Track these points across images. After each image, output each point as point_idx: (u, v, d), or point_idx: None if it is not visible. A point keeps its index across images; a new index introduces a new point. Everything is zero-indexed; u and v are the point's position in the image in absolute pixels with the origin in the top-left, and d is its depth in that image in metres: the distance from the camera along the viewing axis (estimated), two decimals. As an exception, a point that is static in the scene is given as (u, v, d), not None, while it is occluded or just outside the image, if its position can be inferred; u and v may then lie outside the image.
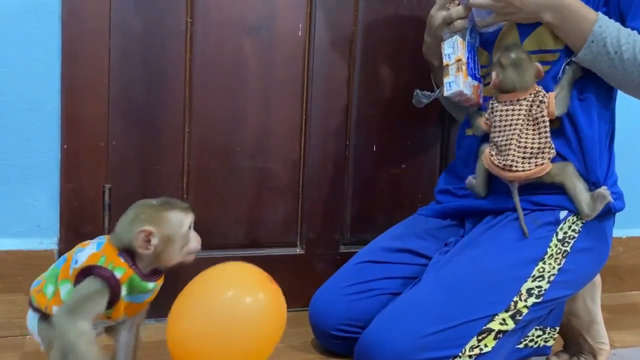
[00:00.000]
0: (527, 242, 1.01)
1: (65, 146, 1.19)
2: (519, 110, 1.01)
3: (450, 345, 0.93)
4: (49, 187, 1.20)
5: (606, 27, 0.97)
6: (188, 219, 0.89)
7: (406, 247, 1.18)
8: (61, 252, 1.20)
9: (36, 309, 0.91)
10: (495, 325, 0.95)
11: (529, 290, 0.98)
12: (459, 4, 1.13)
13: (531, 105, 1.01)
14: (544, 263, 1.00)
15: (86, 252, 0.88)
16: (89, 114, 1.21)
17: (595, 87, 1.04)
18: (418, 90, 1.19)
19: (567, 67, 1.03)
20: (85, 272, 0.86)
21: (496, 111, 1.05)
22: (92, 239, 1.20)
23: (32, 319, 0.91)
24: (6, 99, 1.15)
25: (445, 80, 1.11)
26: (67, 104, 1.19)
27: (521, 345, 1.09)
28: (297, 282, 1.38)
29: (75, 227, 1.21)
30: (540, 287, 0.99)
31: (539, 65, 1.02)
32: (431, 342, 0.92)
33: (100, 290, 0.84)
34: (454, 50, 1.10)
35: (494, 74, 1.04)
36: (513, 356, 1.09)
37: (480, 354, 0.95)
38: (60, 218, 1.21)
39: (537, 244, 1.01)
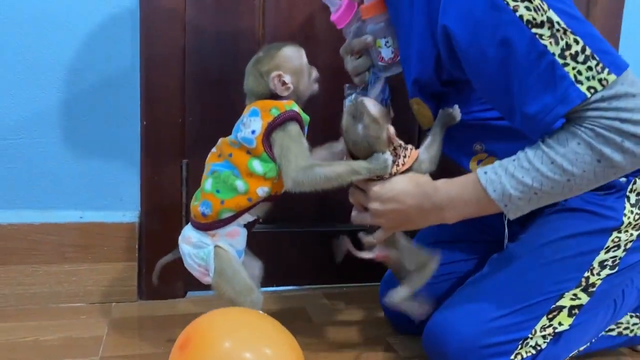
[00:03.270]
0: (595, 217, 0.94)
1: (144, 122, 1.23)
2: None
3: (518, 329, 0.89)
4: (130, 162, 1.25)
5: (499, 185, 0.81)
6: (301, 50, 0.94)
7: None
8: (142, 225, 1.26)
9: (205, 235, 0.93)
10: (566, 302, 0.91)
11: (601, 263, 0.93)
12: (360, 57, 1.02)
13: None
14: (620, 232, 0.93)
15: (253, 121, 0.89)
16: (166, 91, 1.24)
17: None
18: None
19: (441, 111, 0.91)
20: (271, 129, 0.88)
21: None
22: (170, 212, 1.28)
23: (203, 251, 0.92)
24: (87, 77, 1.20)
25: None
26: (146, 81, 1.22)
27: (614, 333, 1.05)
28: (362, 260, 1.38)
29: (154, 201, 1.26)
30: (615, 257, 0.93)
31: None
32: (498, 326, 0.89)
33: (298, 131, 0.90)
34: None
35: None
36: (606, 343, 1.04)
37: (556, 333, 0.91)
38: (140, 192, 1.26)
39: (608, 213, 0.94)
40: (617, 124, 0.75)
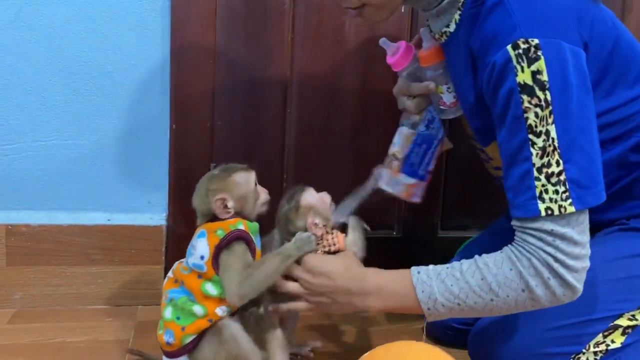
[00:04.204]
0: None
1: (174, 126, 1.23)
2: None
3: (574, 342, 0.88)
4: (160, 165, 1.25)
5: (428, 287, 0.85)
6: (252, 176, 0.96)
7: None
8: (170, 228, 1.26)
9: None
10: (623, 321, 0.89)
11: None
12: (415, 97, 1.03)
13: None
14: None
15: (200, 246, 0.90)
16: (196, 95, 1.24)
17: None
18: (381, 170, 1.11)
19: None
20: (218, 252, 0.89)
21: None
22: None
23: None
24: (118, 80, 1.20)
25: (380, 168, 1.06)
26: (176, 85, 1.22)
27: None
28: (391, 266, 1.36)
29: (182, 205, 1.26)
30: None
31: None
32: (554, 337, 0.88)
33: (243, 251, 0.90)
34: (398, 142, 1.04)
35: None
36: None
37: (608, 351, 0.89)
38: (169, 195, 1.26)
39: None
40: (550, 260, 0.79)
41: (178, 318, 0.90)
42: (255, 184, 0.96)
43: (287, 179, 1.33)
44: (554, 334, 0.88)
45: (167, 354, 0.92)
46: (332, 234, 0.96)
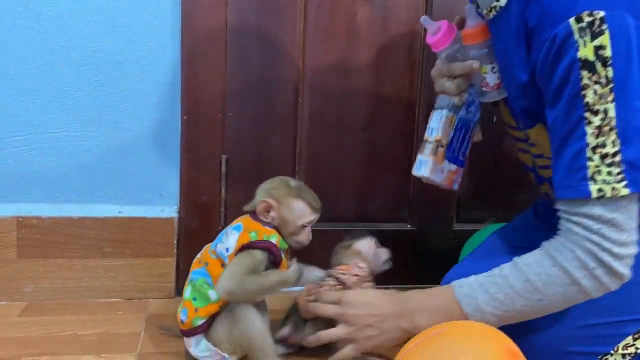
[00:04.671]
0: None
1: (185, 117, 1.22)
2: None
3: (602, 343, 0.84)
4: (170, 157, 1.23)
5: (473, 300, 0.82)
6: (312, 216, 0.96)
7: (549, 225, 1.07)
8: (181, 221, 1.24)
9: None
10: None
11: None
12: (455, 78, 0.97)
13: None
14: None
15: (232, 238, 0.92)
16: (208, 86, 1.22)
17: None
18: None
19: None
20: (242, 250, 0.91)
21: None
22: (209, 208, 1.26)
23: (198, 348, 0.94)
24: (128, 71, 1.19)
25: (419, 157, 1.00)
26: (187, 76, 1.21)
27: None
28: (406, 260, 1.34)
29: (194, 197, 1.25)
30: None
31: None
32: (582, 336, 0.84)
33: (261, 260, 0.91)
34: (439, 127, 0.98)
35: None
36: None
37: (637, 354, 0.85)
38: (180, 187, 1.24)
39: None
40: (596, 250, 0.76)
41: (195, 299, 0.93)
42: (307, 225, 0.96)
43: (299, 171, 1.31)
44: (582, 332, 0.84)
45: (182, 332, 0.95)
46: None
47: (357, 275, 1.00)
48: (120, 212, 1.22)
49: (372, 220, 1.36)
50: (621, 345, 0.85)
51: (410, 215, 1.39)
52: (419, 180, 1.36)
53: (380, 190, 1.36)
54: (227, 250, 0.92)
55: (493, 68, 0.93)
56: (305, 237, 0.97)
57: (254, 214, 0.96)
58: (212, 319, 0.93)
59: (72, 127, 1.18)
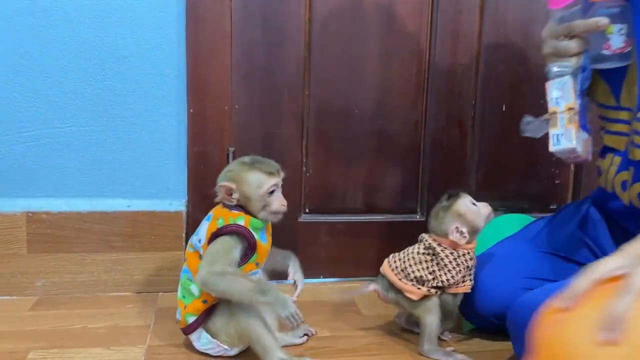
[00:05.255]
0: None
1: (191, 110, 1.21)
2: None
3: None
4: (177, 150, 1.23)
5: None
6: (269, 182, 0.92)
7: (590, 240, 1.03)
8: (189, 214, 1.24)
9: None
10: None
11: None
12: (572, 37, 0.88)
13: None
14: None
15: (203, 229, 0.93)
16: (213, 78, 1.22)
17: None
18: (529, 118, 0.95)
19: None
20: (213, 238, 0.91)
21: None
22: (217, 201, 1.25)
23: (200, 342, 0.95)
24: (134, 65, 1.19)
25: (552, 131, 0.90)
26: (192, 69, 1.20)
27: None
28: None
29: (201, 190, 1.24)
30: None
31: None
32: None
33: (233, 244, 0.90)
34: (564, 95, 0.88)
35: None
36: None
37: None
38: (187, 180, 1.24)
39: None
40: None
41: (184, 297, 0.94)
42: (273, 192, 0.93)
43: (306, 163, 1.30)
44: None
45: (182, 330, 0.95)
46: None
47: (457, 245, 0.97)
48: (128, 206, 1.22)
49: (381, 212, 1.35)
50: None
51: (419, 206, 1.37)
52: (428, 170, 1.36)
53: (389, 181, 1.35)
54: (200, 241, 0.92)
55: (621, 29, 0.86)
56: (277, 204, 0.93)
57: (223, 202, 0.94)
58: (205, 314, 0.92)
59: (80, 122, 1.19)
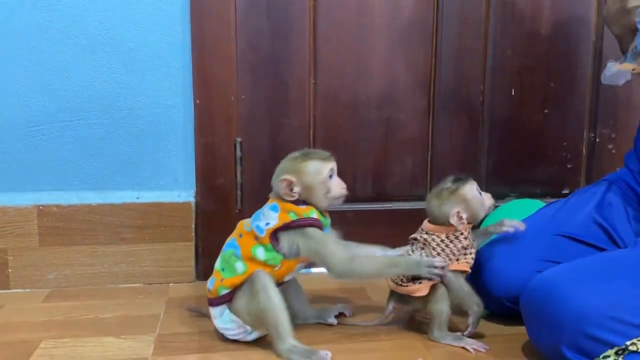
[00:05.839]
0: None
1: (197, 101, 1.22)
2: None
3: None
4: (184, 141, 1.24)
5: None
6: (326, 167, 0.93)
7: (606, 226, 1.02)
8: (198, 205, 1.24)
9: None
10: None
11: None
12: None
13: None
14: None
15: (271, 216, 0.92)
16: (219, 69, 1.22)
17: None
18: (611, 63, 0.94)
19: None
20: (284, 229, 0.91)
21: None
22: (225, 191, 1.26)
23: (222, 319, 0.94)
24: (140, 57, 1.19)
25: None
26: (197, 60, 1.21)
27: None
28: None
29: (209, 181, 1.25)
30: None
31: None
32: (633, 305, 0.77)
33: (320, 232, 0.92)
34: None
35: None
36: None
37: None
38: (195, 172, 1.24)
39: None
40: None
41: (223, 269, 0.93)
42: (331, 176, 0.94)
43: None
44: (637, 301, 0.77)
45: (208, 301, 0.95)
46: (469, 254, 0.95)
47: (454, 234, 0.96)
48: (137, 198, 1.23)
49: (390, 199, 1.35)
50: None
51: (427, 193, 1.36)
52: (437, 157, 1.35)
53: (397, 169, 1.34)
54: (267, 224, 0.91)
55: None
56: (337, 188, 0.94)
57: (283, 198, 0.93)
58: (236, 289, 0.92)
59: (87, 115, 1.19)
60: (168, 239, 1.24)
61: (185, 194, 1.25)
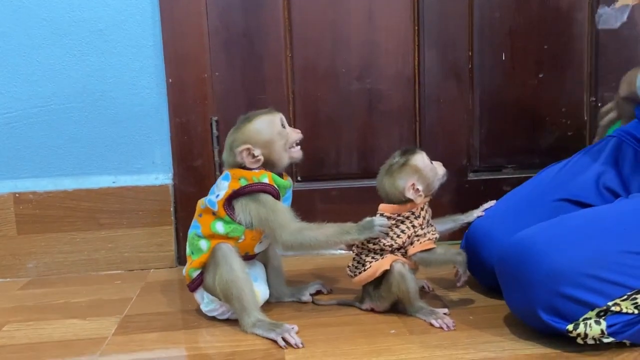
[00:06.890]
0: None
1: (170, 80, 1.19)
2: None
3: (636, 274, 0.71)
4: (160, 122, 1.20)
5: None
6: (276, 117, 0.91)
7: (613, 186, 0.95)
8: (176, 187, 1.21)
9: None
10: None
11: None
12: None
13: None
14: None
15: (222, 186, 0.89)
16: (190, 46, 1.19)
17: None
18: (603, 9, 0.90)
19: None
20: (235, 196, 0.87)
21: None
22: (204, 172, 1.22)
23: (204, 302, 0.92)
24: (110, 38, 1.17)
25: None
26: (168, 38, 1.17)
27: None
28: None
29: (187, 162, 1.21)
30: None
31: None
32: (617, 262, 0.71)
33: (271, 199, 0.87)
34: None
35: None
36: None
37: None
38: (172, 153, 1.21)
39: None
40: None
41: (192, 253, 0.91)
42: (283, 126, 0.91)
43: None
44: (619, 258, 0.71)
45: (188, 288, 0.92)
46: (426, 234, 0.89)
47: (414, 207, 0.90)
48: (114, 182, 1.20)
49: (376, 176, 1.28)
50: None
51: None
52: (425, 129, 1.28)
53: (383, 142, 1.28)
54: (217, 196, 0.88)
55: None
56: (293, 134, 0.92)
57: (239, 168, 0.90)
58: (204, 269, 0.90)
59: (60, 99, 1.18)
60: (147, 223, 1.21)
61: (163, 176, 1.22)
